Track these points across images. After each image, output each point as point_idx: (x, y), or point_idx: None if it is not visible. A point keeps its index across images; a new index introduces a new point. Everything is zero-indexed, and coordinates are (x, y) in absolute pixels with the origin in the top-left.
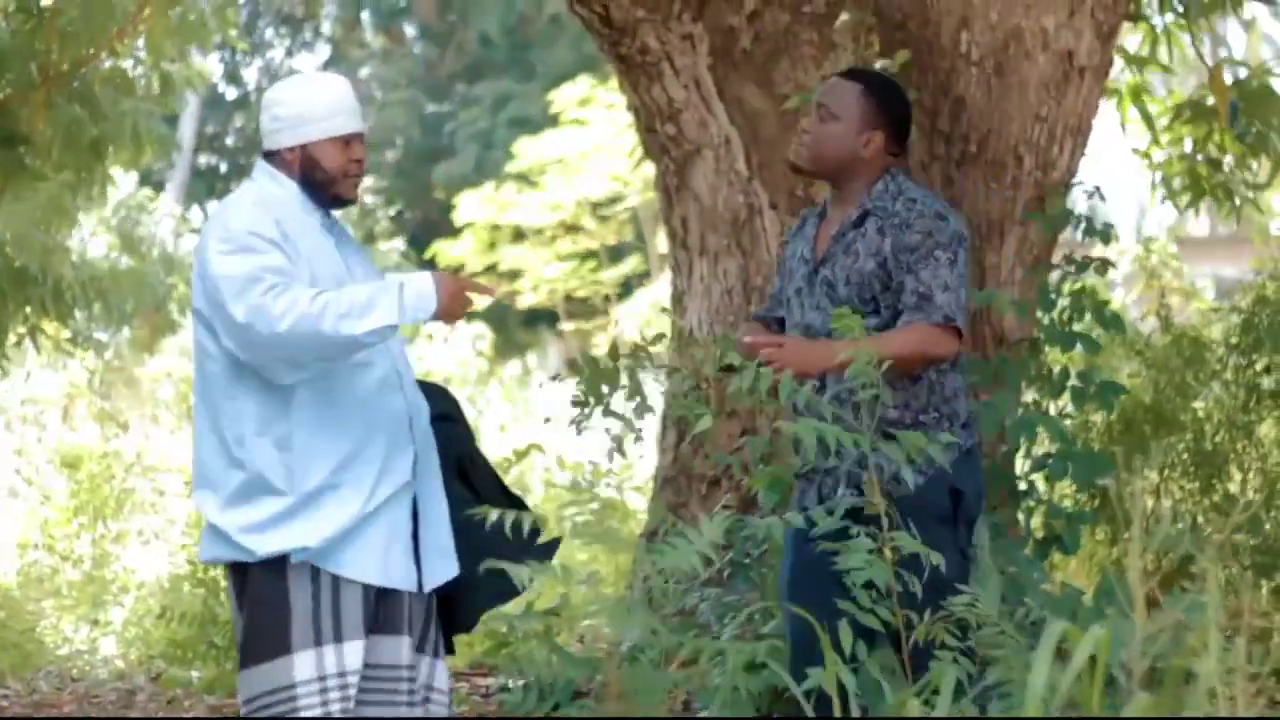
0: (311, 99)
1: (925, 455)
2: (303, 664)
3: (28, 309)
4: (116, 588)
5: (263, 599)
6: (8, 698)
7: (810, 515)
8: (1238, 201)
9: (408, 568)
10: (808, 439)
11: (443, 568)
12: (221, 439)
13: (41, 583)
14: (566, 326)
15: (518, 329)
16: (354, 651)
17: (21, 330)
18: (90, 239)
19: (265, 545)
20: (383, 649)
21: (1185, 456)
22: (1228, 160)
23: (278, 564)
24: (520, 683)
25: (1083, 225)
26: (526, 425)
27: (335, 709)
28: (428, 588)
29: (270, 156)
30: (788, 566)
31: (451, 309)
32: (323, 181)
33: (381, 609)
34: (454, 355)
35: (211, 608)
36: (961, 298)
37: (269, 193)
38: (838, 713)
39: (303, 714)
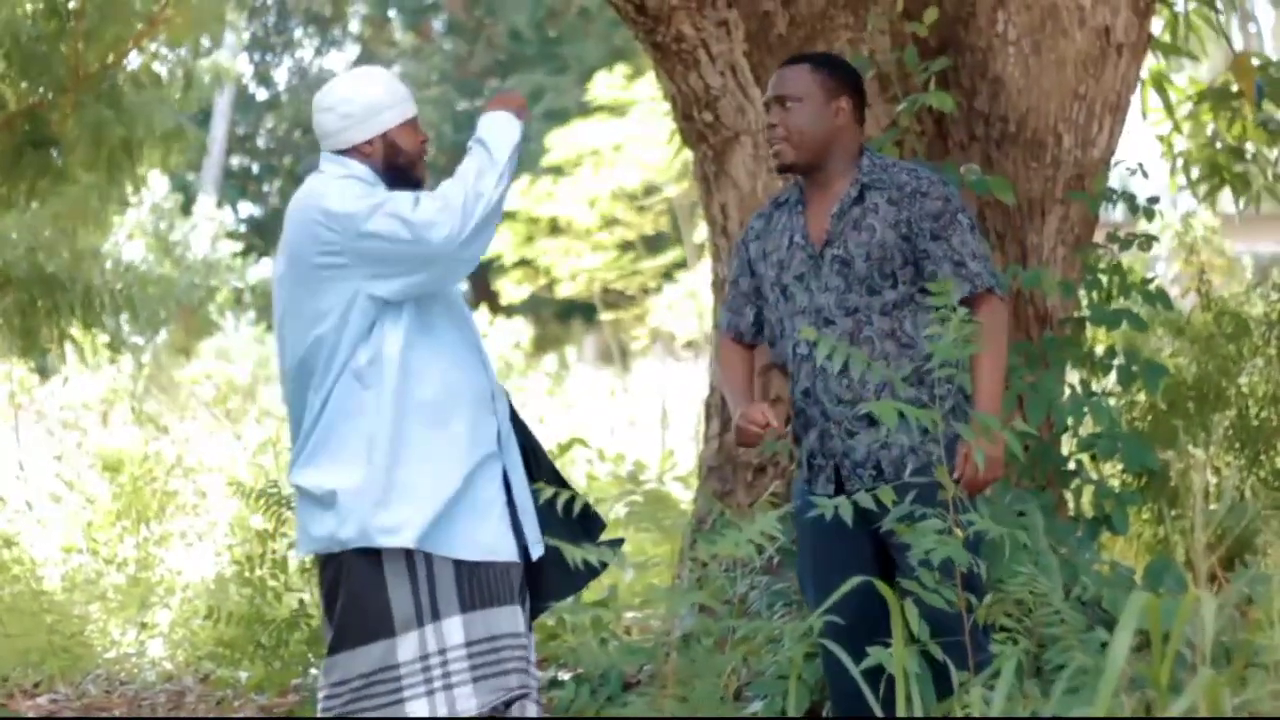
0: (379, 89)
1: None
2: (406, 646)
3: (57, 315)
4: (162, 590)
5: (361, 584)
6: (57, 702)
7: (876, 496)
8: (1255, 189)
9: (505, 537)
10: (886, 418)
11: (535, 542)
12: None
13: (87, 586)
14: (604, 318)
15: (553, 321)
16: (453, 628)
17: (46, 331)
18: (126, 243)
19: (360, 539)
20: (501, 619)
21: (1231, 432)
22: (1249, 147)
23: (371, 549)
24: (570, 675)
25: (1125, 202)
26: (566, 417)
27: (438, 685)
28: (534, 556)
29: (342, 154)
30: (809, 552)
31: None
32: (405, 165)
33: (487, 581)
34: (493, 348)
35: (258, 607)
36: (991, 261)
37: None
38: (901, 698)
39: (406, 692)
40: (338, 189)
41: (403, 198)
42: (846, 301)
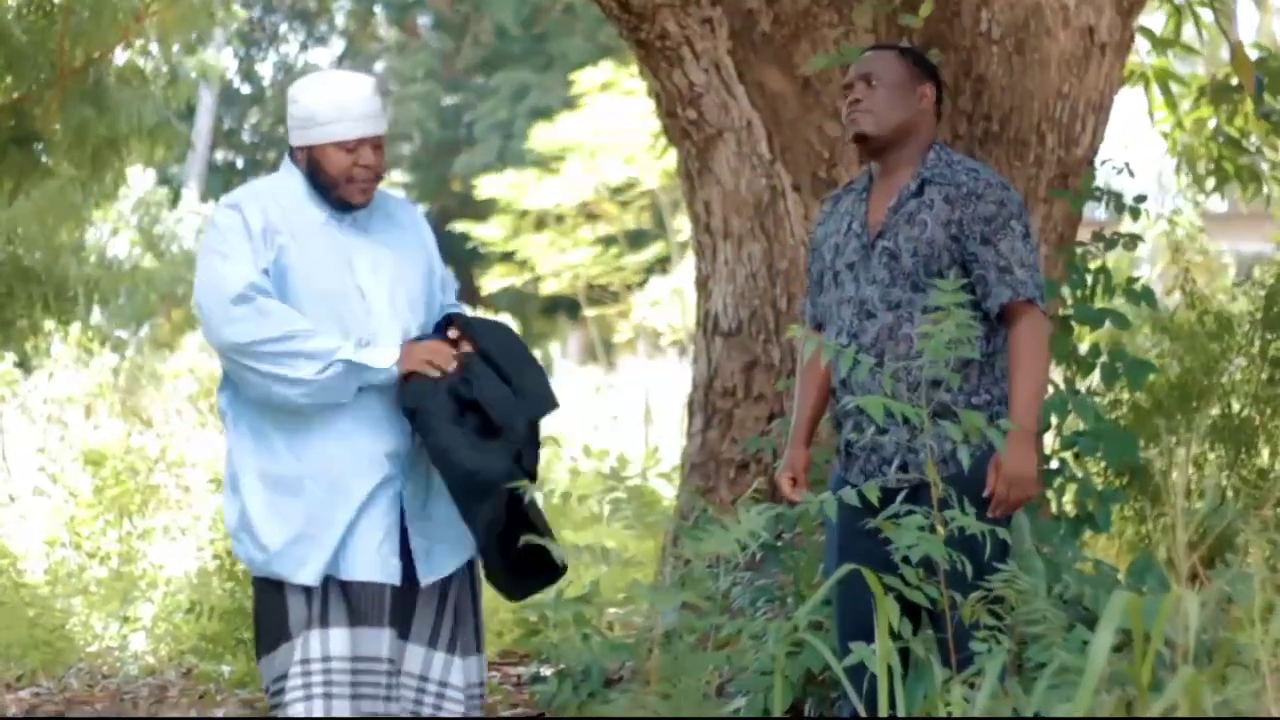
0: (320, 102)
1: (981, 435)
2: (298, 650)
3: (32, 308)
4: (145, 584)
5: (262, 594)
6: (39, 695)
7: (860, 490)
8: (1265, 186)
9: (386, 561)
10: (874, 412)
11: (442, 562)
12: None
13: (69, 580)
14: (588, 314)
15: (538, 317)
16: (339, 638)
17: (23, 324)
18: (112, 237)
19: (260, 568)
20: (364, 641)
21: (1214, 430)
22: (1252, 140)
23: None
24: (552, 671)
25: (1111, 201)
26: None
27: (317, 692)
28: (422, 582)
29: (291, 150)
30: (836, 544)
31: (413, 370)
32: (324, 185)
33: (359, 601)
34: None
35: (240, 602)
36: (1039, 273)
37: (280, 183)
38: (884, 691)
39: (288, 696)
40: (218, 218)
41: (236, 272)
42: (890, 296)
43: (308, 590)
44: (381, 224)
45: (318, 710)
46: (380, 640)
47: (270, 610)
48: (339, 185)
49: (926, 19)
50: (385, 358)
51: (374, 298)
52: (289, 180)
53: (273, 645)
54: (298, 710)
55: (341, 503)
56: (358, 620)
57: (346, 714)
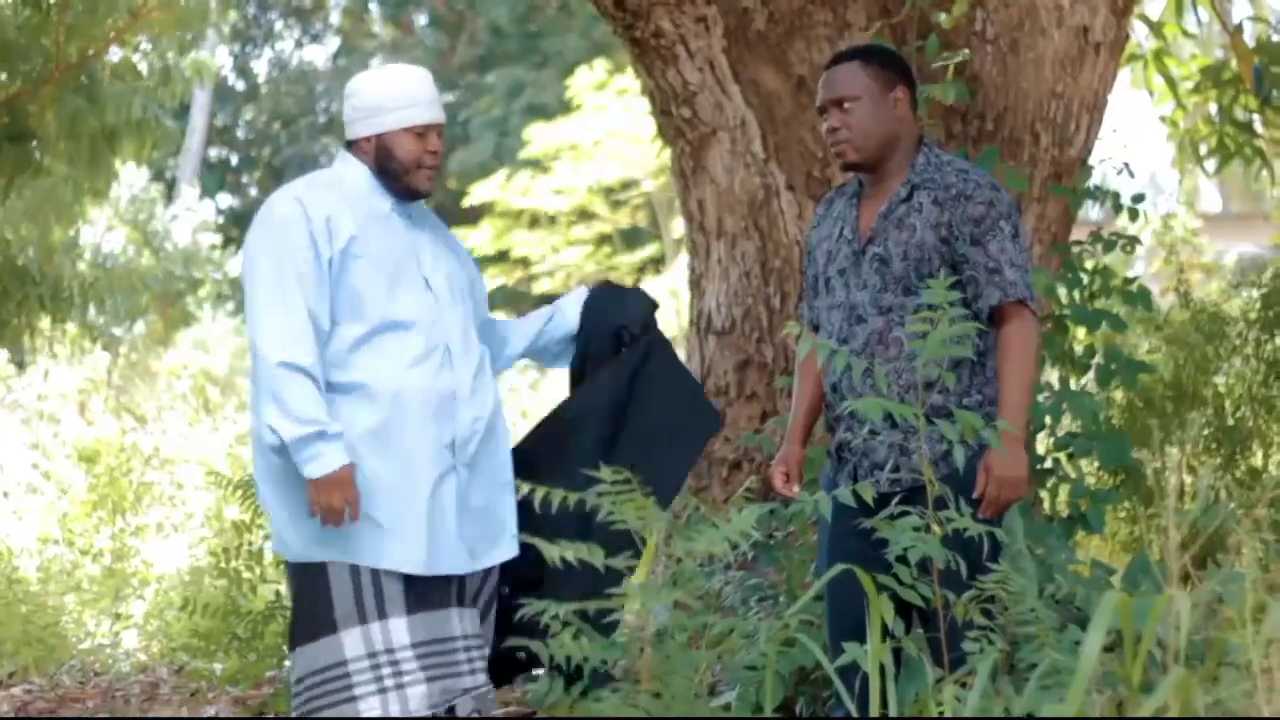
0: (387, 90)
1: (975, 436)
2: (351, 642)
3: (26, 307)
4: (137, 581)
5: (303, 586)
6: (31, 692)
7: (855, 491)
8: (1272, 160)
9: (454, 550)
10: (871, 414)
11: (500, 549)
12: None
13: (62, 577)
14: None
15: None
16: (399, 629)
17: (17, 323)
18: (107, 234)
19: (303, 553)
20: (435, 624)
21: (1207, 432)
22: (1256, 121)
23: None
24: (545, 669)
25: (1108, 200)
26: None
27: (390, 684)
28: (480, 565)
29: (350, 145)
30: (827, 544)
31: (320, 495)
32: (395, 172)
33: (430, 588)
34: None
35: (234, 599)
36: (1029, 273)
37: (338, 177)
38: (876, 690)
39: (357, 690)
40: (278, 208)
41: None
42: (881, 300)
43: (355, 579)
44: (426, 219)
45: (393, 703)
46: (449, 620)
47: (313, 599)
48: (409, 172)
49: (919, 16)
50: (321, 467)
51: (437, 288)
52: (349, 173)
53: (312, 636)
54: (373, 704)
55: (417, 492)
56: (421, 607)
57: (422, 700)
